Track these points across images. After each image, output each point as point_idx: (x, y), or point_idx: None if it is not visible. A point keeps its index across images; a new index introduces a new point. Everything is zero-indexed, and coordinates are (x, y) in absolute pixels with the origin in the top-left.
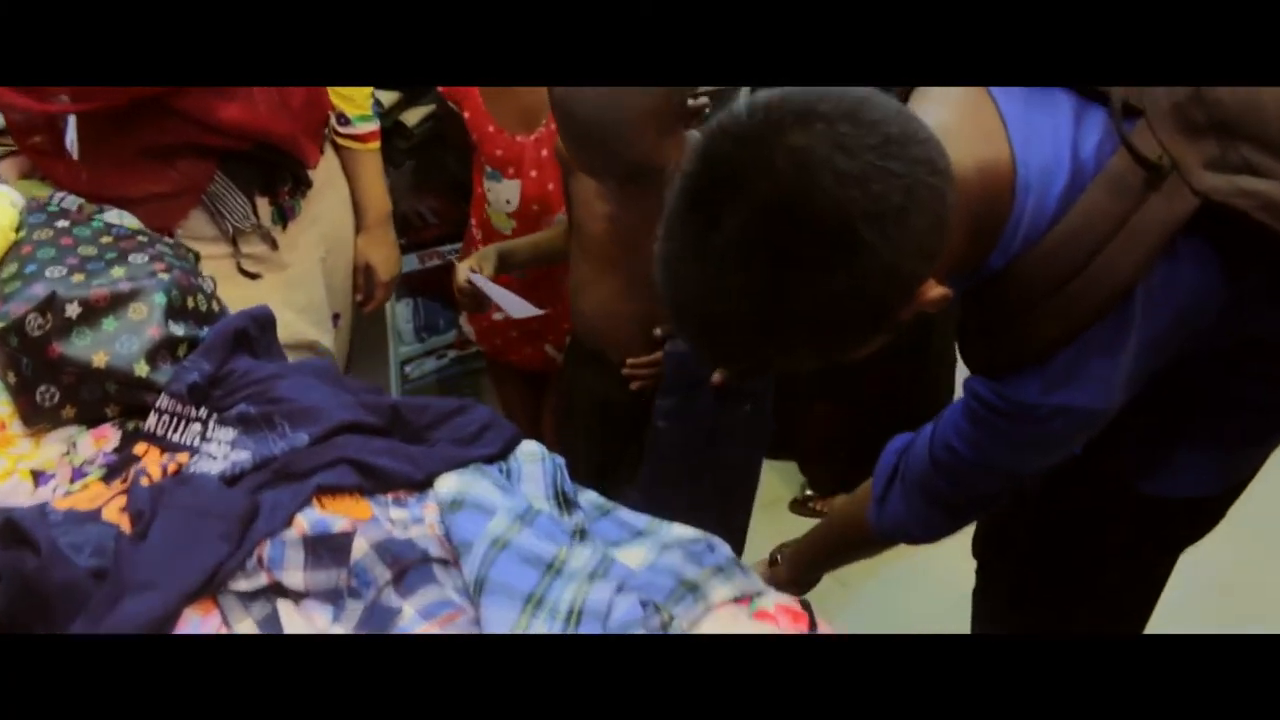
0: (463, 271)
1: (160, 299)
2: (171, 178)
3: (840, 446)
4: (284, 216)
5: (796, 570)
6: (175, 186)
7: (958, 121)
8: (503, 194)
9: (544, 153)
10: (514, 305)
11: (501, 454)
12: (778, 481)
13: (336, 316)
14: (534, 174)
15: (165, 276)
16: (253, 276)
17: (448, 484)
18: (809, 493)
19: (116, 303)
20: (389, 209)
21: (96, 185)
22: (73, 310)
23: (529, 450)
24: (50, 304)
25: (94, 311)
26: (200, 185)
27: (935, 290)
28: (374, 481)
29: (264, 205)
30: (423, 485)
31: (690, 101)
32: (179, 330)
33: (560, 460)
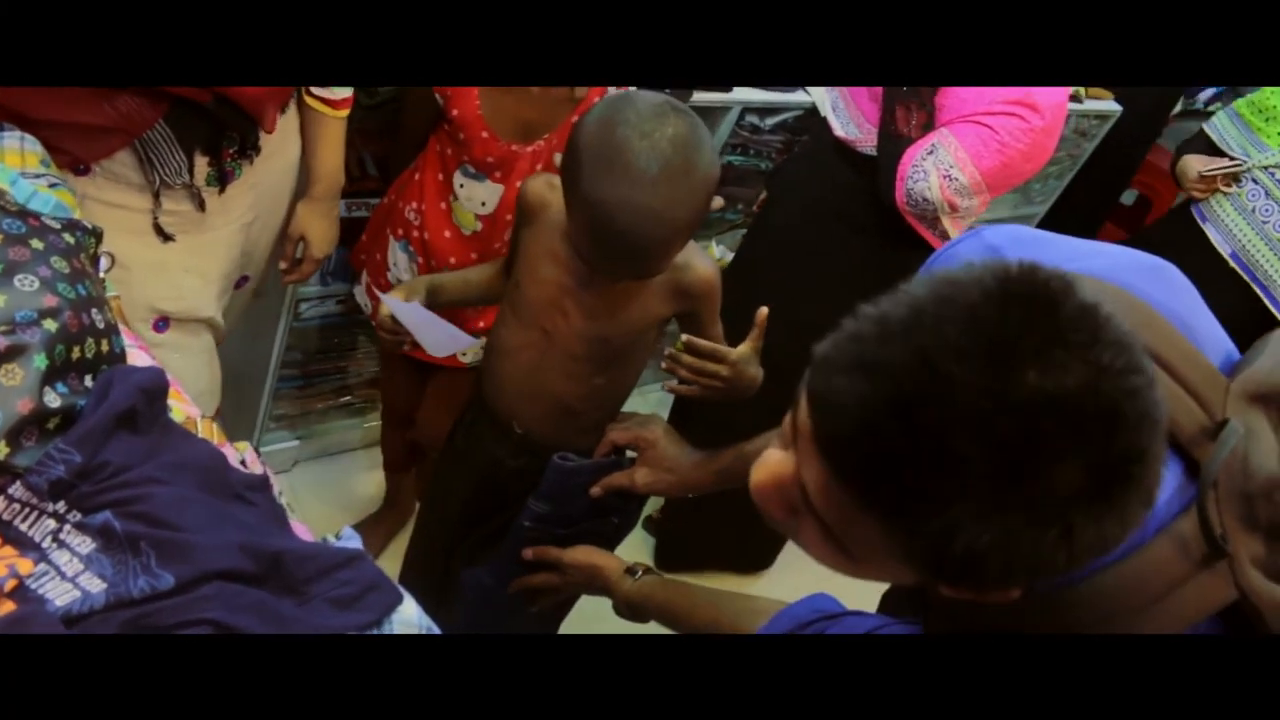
0: (385, 305)
1: (40, 361)
2: (107, 112)
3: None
4: (223, 179)
5: (735, 472)
6: (109, 122)
7: None
8: (479, 195)
9: (539, 166)
10: (440, 339)
11: (378, 621)
12: None
13: (245, 280)
14: (520, 184)
15: (51, 326)
16: (168, 238)
17: None
18: (663, 514)
19: None
20: (341, 182)
21: (6, 97)
22: None
23: (405, 619)
24: None
25: None
26: (138, 128)
27: (1014, 592)
28: None
29: (202, 164)
30: None
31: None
32: (54, 400)
33: (436, 631)
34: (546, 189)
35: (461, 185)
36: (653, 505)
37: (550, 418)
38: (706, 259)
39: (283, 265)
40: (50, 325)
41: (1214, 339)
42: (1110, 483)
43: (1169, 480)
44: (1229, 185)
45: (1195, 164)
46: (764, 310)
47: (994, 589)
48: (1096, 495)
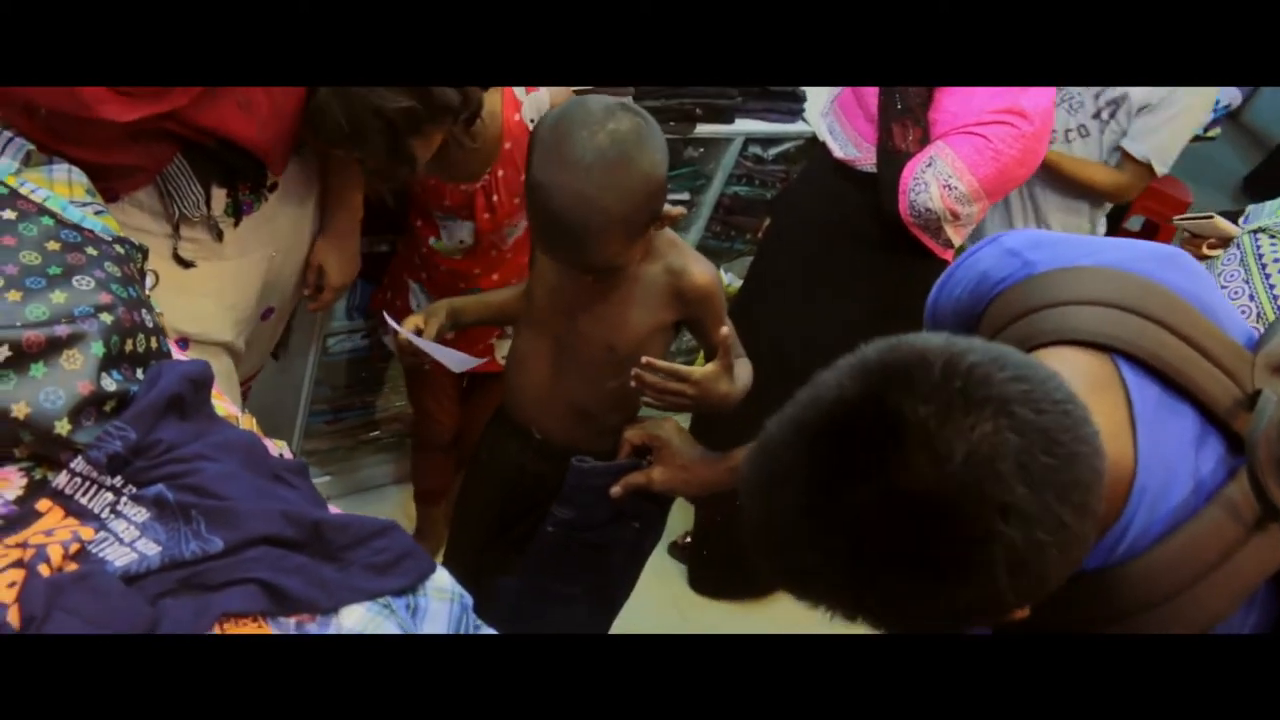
0: (405, 329)
1: (98, 349)
2: (132, 153)
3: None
4: (238, 211)
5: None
6: (134, 161)
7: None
8: (457, 234)
9: (495, 197)
10: (453, 360)
11: (412, 586)
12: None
13: (270, 310)
14: (487, 216)
15: (107, 318)
16: (188, 265)
17: (353, 618)
18: (688, 539)
19: (50, 348)
20: (359, 216)
21: (51, 137)
22: (1, 353)
23: (439, 585)
24: None
25: (24, 356)
26: (158, 166)
27: (1024, 612)
28: (280, 605)
29: (220, 196)
30: (327, 611)
31: (666, 209)
32: (111, 385)
33: (469, 601)
34: None
35: (444, 227)
36: (679, 529)
37: (567, 422)
38: (705, 265)
39: (306, 293)
40: (106, 318)
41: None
42: (950, 570)
43: (1209, 452)
44: (1214, 248)
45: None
46: (726, 330)
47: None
48: (940, 579)
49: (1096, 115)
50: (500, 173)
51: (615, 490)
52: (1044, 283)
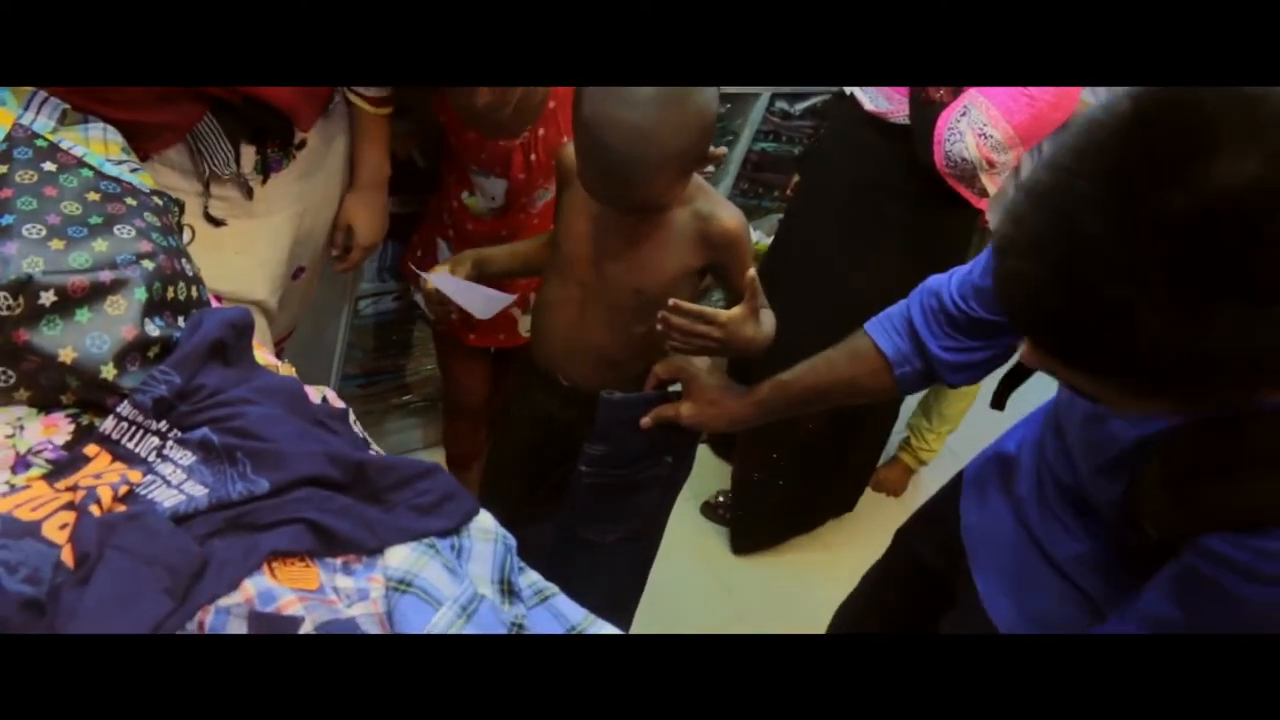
0: (429, 281)
1: (140, 294)
2: (163, 112)
3: (770, 488)
4: (267, 168)
5: (774, 404)
6: (164, 119)
7: None
8: (489, 190)
9: (533, 156)
10: (480, 303)
11: (456, 527)
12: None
13: (301, 270)
14: (522, 176)
15: (149, 265)
16: (218, 223)
17: (398, 557)
18: (721, 499)
19: (94, 294)
20: (386, 174)
21: (84, 97)
22: (47, 298)
23: (483, 526)
24: (25, 287)
25: (69, 301)
26: (188, 124)
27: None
28: (327, 545)
29: (249, 153)
30: (373, 551)
31: (711, 150)
32: (154, 330)
33: (512, 542)
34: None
35: (478, 182)
36: (711, 489)
37: (594, 368)
38: (733, 210)
39: (335, 253)
40: (148, 264)
41: None
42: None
43: None
44: None
45: None
46: (752, 272)
47: (1225, 391)
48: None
49: None
50: (541, 131)
51: (645, 421)
52: None
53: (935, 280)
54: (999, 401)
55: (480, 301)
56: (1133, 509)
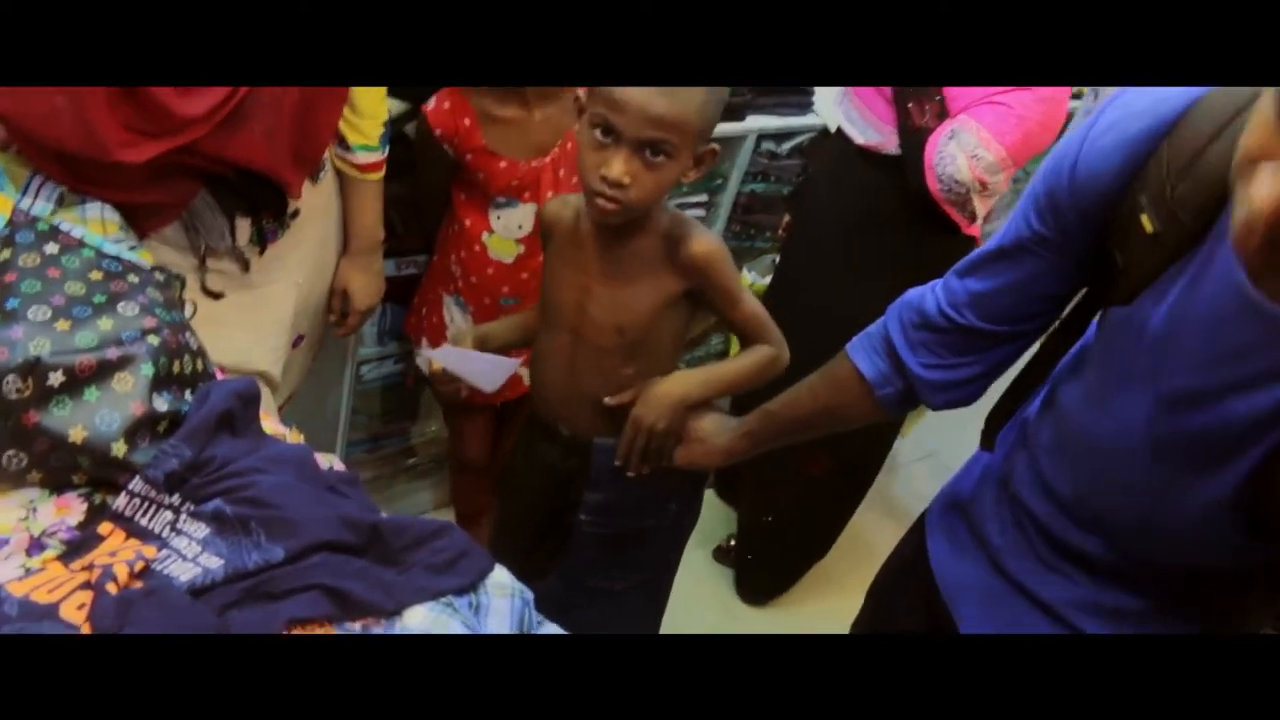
0: (435, 361)
1: (147, 369)
2: (156, 191)
3: (776, 528)
4: (263, 239)
5: (764, 434)
6: (159, 199)
7: None
8: (515, 219)
9: (560, 172)
10: (488, 373)
11: (472, 585)
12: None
13: (300, 339)
14: (550, 194)
15: (154, 340)
16: (216, 296)
17: (417, 618)
18: (732, 543)
19: (102, 372)
20: (379, 238)
21: (79, 180)
22: (55, 379)
23: (499, 582)
24: (33, 369)
25: (77, 380)
26: (183, 202)
27: None
28: (345, 609)
29: (245, 226)
30: (391, 613)
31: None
32: (162, 405)
33: (529, 596)
34: (560, 206)
35: (498, 217)
36: (721, 534)
37: (591, 416)
38: (706, 234)
39: (331, 319)
40: (153, 340)
41: None
42: None
43: None
44: None
45: None
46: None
47: None
48: None
49: None
50: (569, 145)
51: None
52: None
53: (914, 293)
54: (989, 440)
55: (488, 371)
56: (1263, 504)
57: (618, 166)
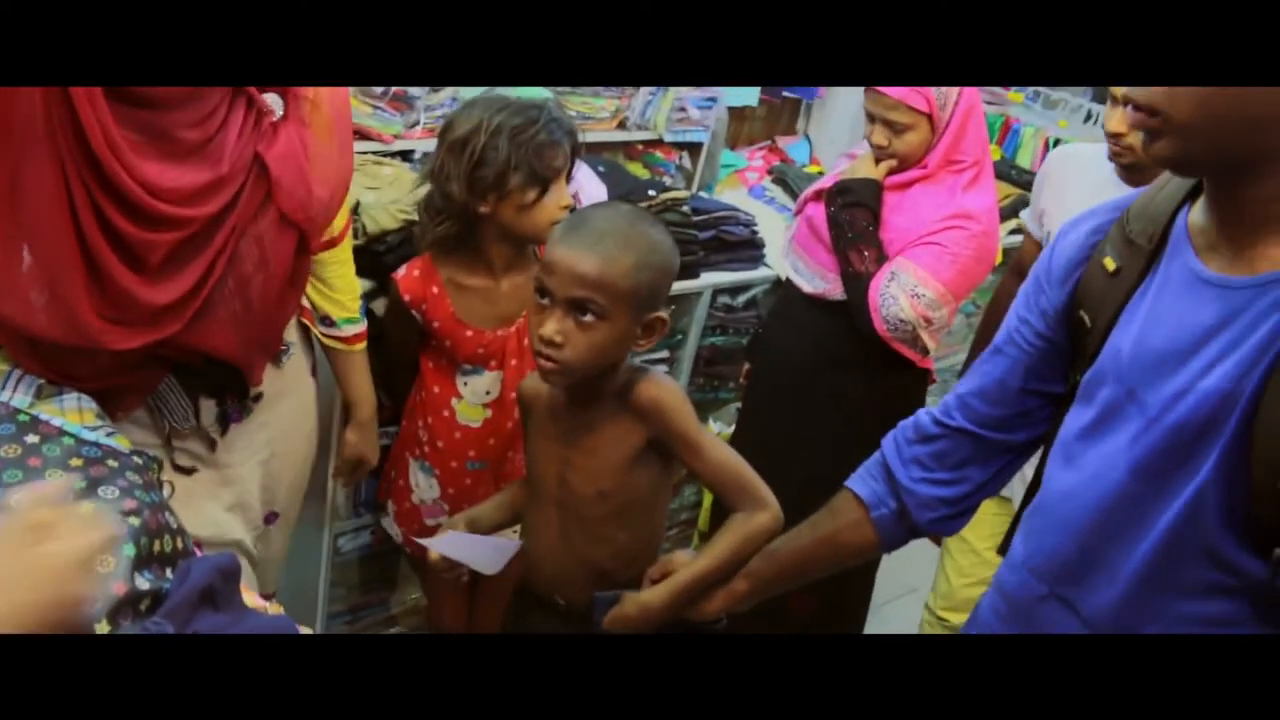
0: (432, 551)
1: (129, 551)
2: (126, 377)
3: None
4: (226, 420)
5: (763, 575)
6: (127, 383)
7: None
8: (482, 386)
9: (525, 341)
10: (490, 555)
11: None
12: None
13: (274, 515)
14: (514, 362)
15: (135, 522)
16: (188, 472)
17: None
18: None
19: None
20: (375, 403)
21: (53, 370)
22: None
23: None
24: None
25: None
26: (152, 386)
27: None
28: None
29: (209, 406)
30: None
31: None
32: (144, 584)
33: None
34: (535, 382)
35: (465, 383)
36: None
37: (587, 583)
38: (656, 380)
39: (340, 480)
40: (134, 521)
41: None
42: None
43: None
44: None
45: None
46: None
47: None
48: None
49: None
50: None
51: (606, 621)
52: None
53: (910, 418)
54: (1005, 546)
55: (489, 554)
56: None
57: (550, 326)
